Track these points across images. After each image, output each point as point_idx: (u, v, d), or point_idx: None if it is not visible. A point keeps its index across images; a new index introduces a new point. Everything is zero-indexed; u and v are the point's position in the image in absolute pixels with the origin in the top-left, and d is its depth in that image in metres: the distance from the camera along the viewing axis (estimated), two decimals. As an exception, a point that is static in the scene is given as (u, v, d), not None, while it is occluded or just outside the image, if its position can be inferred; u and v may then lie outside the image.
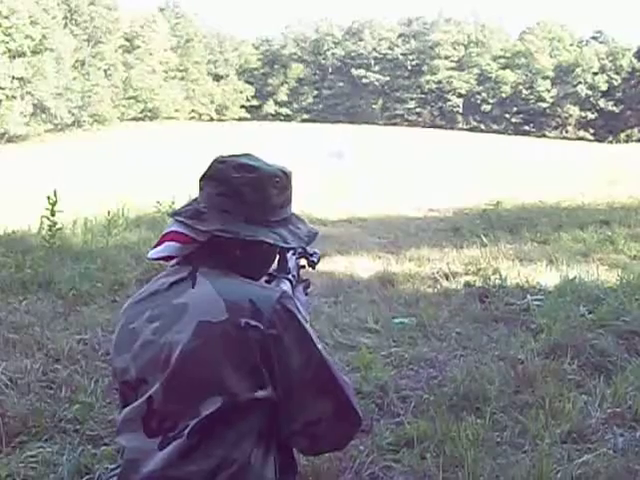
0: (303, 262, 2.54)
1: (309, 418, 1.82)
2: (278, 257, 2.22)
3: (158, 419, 1.78)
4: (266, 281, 2.21)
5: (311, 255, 2.55)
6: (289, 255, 2.37)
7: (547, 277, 8.19)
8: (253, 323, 1.75)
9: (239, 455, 1.75)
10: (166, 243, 1.94)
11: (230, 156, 1.97)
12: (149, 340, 1.83)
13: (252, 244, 1.89)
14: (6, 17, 52.04)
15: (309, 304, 2.43)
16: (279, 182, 1.95)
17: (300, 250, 2.46)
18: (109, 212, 11.77)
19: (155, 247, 1.97)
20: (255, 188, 1.90)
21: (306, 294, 2.47)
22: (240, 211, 1.89)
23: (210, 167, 1.95)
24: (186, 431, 1.73)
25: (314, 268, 2.60)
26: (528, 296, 7.15)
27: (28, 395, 4.48)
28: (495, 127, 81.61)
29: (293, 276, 2.35)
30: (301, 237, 1.97)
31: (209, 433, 1.74)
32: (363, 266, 9.46)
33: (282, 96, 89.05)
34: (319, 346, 1.86)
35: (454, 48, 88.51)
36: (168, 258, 1.97)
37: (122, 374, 1.89)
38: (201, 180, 1.96)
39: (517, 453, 3.97)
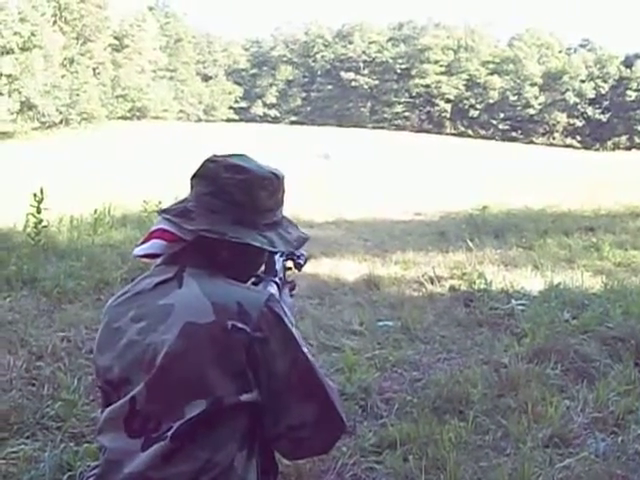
0: (289, 264, 2.51)
1: (293, 422, 1.80)
2: (266, 259, 2.18)
3: (141, 420, 1.75)
4: (253, 283, 2.17)
5: (298, 257, 2.52)
6: (277, 257, 2.32)
7: (532, 282, 8.24)
8: (240, 325, 1.73)
9: (222, 458, 1.72)
10: (152, 240, 1.91)
11: (222, 156, 1.93)
12: (134, 340, 1.80)
13: (239, 246, 1.85)
14: (-6, 13, 51.79)
15: (294, 306, 2.41)
16: (269, 185, 1.91)
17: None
18: (95, 210, 11.75)
19: (141, 244, 1.93)
20: (244, 190, 1.86)
21: (291, 296, 2.42)
22: (228, 212, 1.85)
23: (201, 166, 1.91)
24: (169, 433, 1.70)
25: (300, 270, 2.57)
26: (513, 301, 7.19)
27: (10, 392, 4.48)
28: (483, 133, 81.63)
29: (280, 278, 2.30)
30: (290, 241, 1.93)
31: (193, 435, 1.71)
32: (349, 268, 9.47)
33: (270, 98, 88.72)
34: (305, 350, 1.83)
35: (443, 53, 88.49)
36: (153, 256, 1.93)
37: (105, 373, 1.86)
38: (192, 179, 1.92)
39: (499, 456, 3.99)
